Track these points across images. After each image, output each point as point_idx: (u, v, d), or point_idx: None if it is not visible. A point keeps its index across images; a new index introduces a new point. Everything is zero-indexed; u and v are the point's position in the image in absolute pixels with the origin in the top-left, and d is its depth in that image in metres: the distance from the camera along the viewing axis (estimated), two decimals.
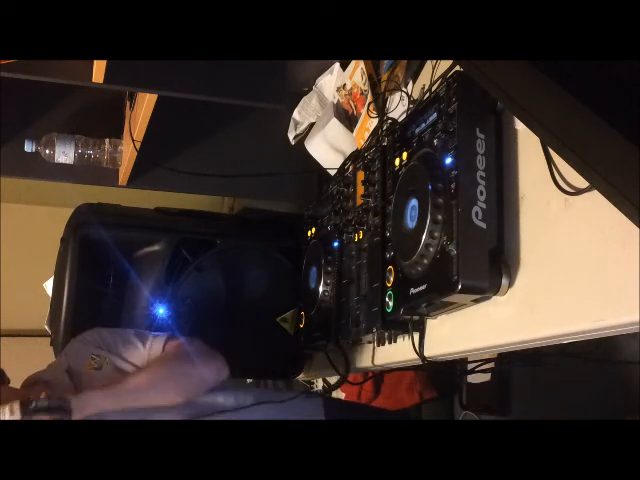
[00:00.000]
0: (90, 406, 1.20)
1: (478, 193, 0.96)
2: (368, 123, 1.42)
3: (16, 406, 1.13)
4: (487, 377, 2.38)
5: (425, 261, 1.01)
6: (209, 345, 1.39)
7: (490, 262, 0.95)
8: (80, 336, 1.44)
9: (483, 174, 0.97)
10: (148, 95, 1.47)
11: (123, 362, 1.36)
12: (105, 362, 1.35)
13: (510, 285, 0.96)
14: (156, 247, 1.71)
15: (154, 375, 1.30)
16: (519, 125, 0.98)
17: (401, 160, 1.15)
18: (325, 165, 1.64)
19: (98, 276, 1.70)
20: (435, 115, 1.05)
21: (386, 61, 1.40)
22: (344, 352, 1.41)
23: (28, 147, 1.80)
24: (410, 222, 1.06)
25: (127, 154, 1.77)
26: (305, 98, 1.74)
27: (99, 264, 1.68)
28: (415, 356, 1.17)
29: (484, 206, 0.96)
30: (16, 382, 1.33)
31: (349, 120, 1.54)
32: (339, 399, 2.15)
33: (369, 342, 1.36)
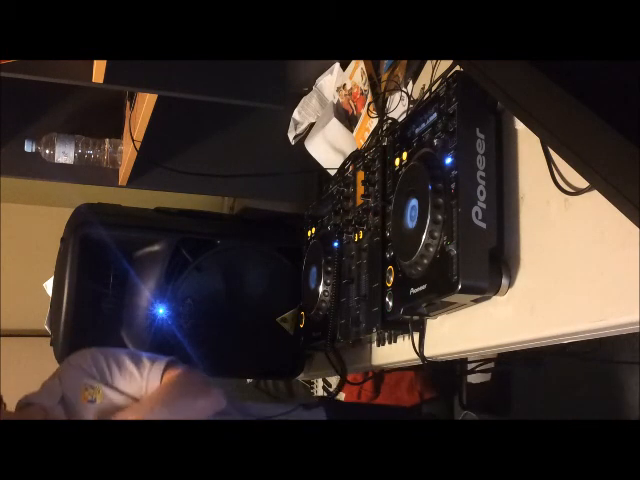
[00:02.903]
0: None
1: (478, 193, 0.96)
2: (368, 123, 1.42)
3: None
4: (487, 377, 2.38)
5: (425, 261, 1.01)
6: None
7: (490, 262, 0.95)
8: (74, 359, 1.39)
9: (483, 174, 0.97)
10: (148, 95, 1.47)
11: (119, 395, 1.32)
12: (99, 395, 1.31)
13: (510, 285, 0.96)
14: (156, 247, 1.71)
15: (152, 413, 1.26)
16: (519, 125, 0.98)
17: (401, 160, 1.15)
18: (325, 165, 1.64)
19: (98, 276, 1.70)
20: (435, 115, 1.05)
21: (386, 61, 1.40)
22: (339, 355, 1.41)
23: (28, 147, 1.80)
24: (410, 222, 1.06)
25: (127, 154, 1.77)
26: (305, 98, 1.74)
27: (99, 264, 1.68)
28: (415, 356, 1.17)
29: (484, 206, 0.96)
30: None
31: (349, 120, 1.54)
32: (341, 402, 2.14)
33: (369, 342, 1.36)
